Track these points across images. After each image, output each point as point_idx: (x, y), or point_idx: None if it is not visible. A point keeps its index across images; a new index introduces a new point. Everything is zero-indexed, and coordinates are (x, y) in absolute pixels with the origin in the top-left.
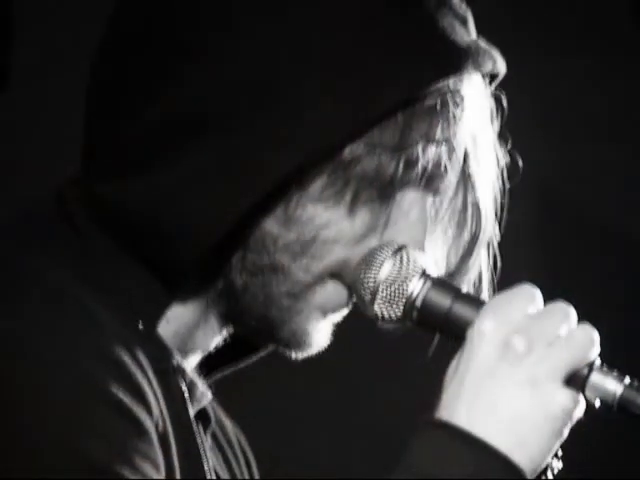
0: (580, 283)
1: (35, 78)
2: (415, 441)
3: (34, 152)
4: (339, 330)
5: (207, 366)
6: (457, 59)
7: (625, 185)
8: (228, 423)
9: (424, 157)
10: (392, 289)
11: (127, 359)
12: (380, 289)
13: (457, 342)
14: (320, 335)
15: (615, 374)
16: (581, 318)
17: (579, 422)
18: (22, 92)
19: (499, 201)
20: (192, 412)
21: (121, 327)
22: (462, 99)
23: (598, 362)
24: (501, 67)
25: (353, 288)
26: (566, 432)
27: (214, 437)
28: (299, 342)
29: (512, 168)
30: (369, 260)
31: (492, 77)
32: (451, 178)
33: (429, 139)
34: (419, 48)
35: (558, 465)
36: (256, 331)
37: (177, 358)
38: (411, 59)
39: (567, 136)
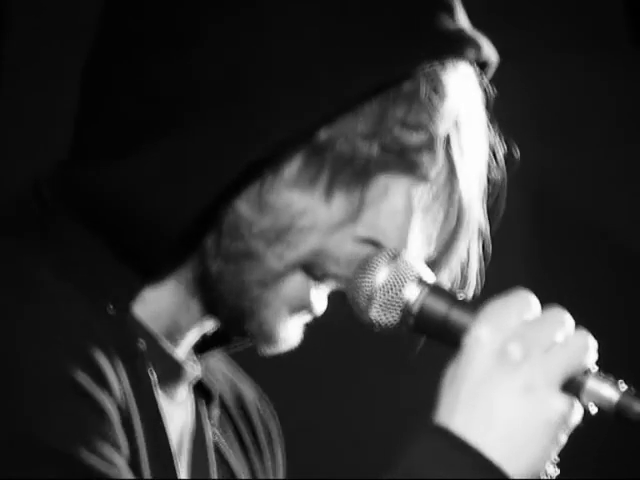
0: (577, 286)
1: (28, 76)
2: (410, 445)
3: (27, 148)
4: (337, 331)
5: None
6: (436, 45)
7: (623, 188)
8: (249, 394)
9: (400, 142)
10: (388, 295)
11: (89, 343)
12: (376, 295)
13: (454, 349)
14: (288, 333)
15: (611, 380)
16: (578, 322)
17: (576, 427)
18: (13, 88)
19: (493, 191)
20: (159, 393)
21: (88, 311)
22: (442, 86)
23: (595, 368)
24: (489, 55)
25: (348, 294)
26: (563, 439)
27: (225, 410)
28: (266, 337)
29: (509, 161)
30: (365, 265)
31: (486, 65)
32: (432, 165)
33: (405, 124)
34: (397, 33)
35: (554, 472)
36: (228, 322)
37: (147, 339)
38: (388, 44)
39: (564, 138)
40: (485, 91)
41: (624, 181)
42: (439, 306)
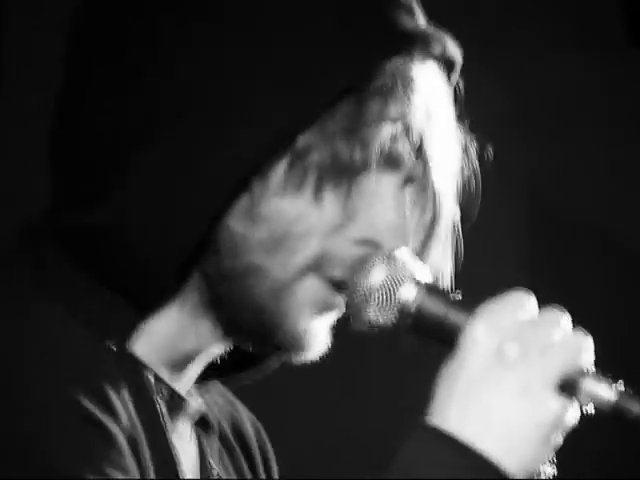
0: (569, 284)
1: (28, 75)
2: (406, 444)
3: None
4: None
5: (219, 369)
6: (402, 42)
7: (621, 188)
8: (247, 424)
9: (380, 137)
10: (385, 295)
11: (96, 372)
12: (373, 294)
13: (450, 348)
14: (316, 336)
15: (608, 380)
16: (576, 323)
17: (575, 428)
18: (13, 88)
19: (470, 186)
20: (169, 424)
21: (93, 344)
22: (411, 80)
23: (591, 368)
24: (453, 53)
25: (345, 292)
26: (559, 439)
27: (224, 441)
28: (294, 345)
29: (492, 161)
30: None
31: (452, 65)
32: (411, 159)
33: (382, 118)
34: (363, 34)
35: (551, 471)
36: (253, 339)
37: (151, 373)
38: (356, 44)
39: (553, 136)
40: (457, 87)
41: (622, 181)
42: (435, 306)
